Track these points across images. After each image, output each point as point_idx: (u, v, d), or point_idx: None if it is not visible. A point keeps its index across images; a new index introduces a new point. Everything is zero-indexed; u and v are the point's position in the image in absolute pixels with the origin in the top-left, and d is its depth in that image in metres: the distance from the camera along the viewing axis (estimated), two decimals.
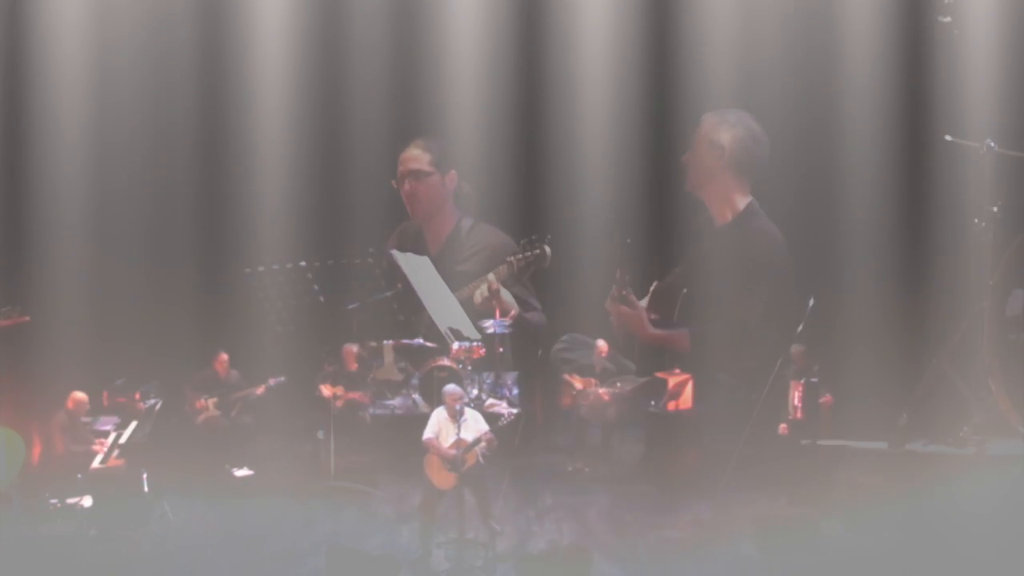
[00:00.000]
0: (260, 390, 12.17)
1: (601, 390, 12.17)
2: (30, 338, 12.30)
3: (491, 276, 12.62)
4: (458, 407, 10.01)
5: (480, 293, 12.78)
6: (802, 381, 11.56)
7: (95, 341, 12.99)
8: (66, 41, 13.16)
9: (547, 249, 12.63)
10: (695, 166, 12.93)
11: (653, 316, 12.79)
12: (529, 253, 12.63)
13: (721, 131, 12.80)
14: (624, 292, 12.55)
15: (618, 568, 9.86)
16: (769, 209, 12.80)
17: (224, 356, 12.24)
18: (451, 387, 10.16)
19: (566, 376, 12.39)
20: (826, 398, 11.62)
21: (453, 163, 13.43)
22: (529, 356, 13.10)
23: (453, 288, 12.77)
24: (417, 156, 13.38)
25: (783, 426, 11.60)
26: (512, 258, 12.67)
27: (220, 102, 13.54)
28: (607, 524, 10.80)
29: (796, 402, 11.53)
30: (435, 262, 12.92)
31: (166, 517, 10.77)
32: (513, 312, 12.75)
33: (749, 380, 12.00)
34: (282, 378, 12.18)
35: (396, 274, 12.73)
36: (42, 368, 12.59)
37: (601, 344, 12.46)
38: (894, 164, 12.80)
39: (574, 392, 12.24)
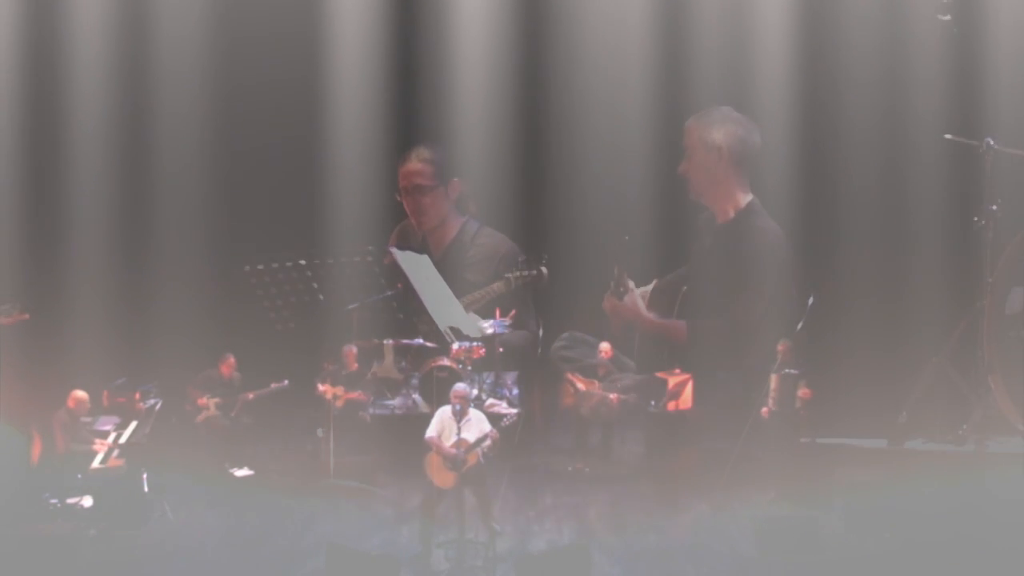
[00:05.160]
0: (263, 392, 12.17)
1: (605, 393, 12.16)
2: (30, 336, 12.28)
3: (491, 288, 12.69)
4: (460, 407, 10.01)
5: (485, 292, 12.81)
6: (781, 372, 11.45)
7: (95, 341, 12.98)
8: (64, 40, 13.14)
9: (544, 271, 12.62)
10: (695, 173, 12.85)
11: (653, 313, 12.79)
12: (527, 272, 12.63)
13: (713, 131, 12.76)
14: (621, 289, 12.54)
15: (618, 568, 9.87)
16: (768, 207, 12.80)
17: (231, 359, 12.21)
18: (460, 385, 10.16)
19: (568, 375, 12.38)
20: (804, 391, 11.47)
21: (455, 168, 13.37)
22: (529, 356, 13.10)
23: (456, 294, 12.75)
24: (419, 170, 13.29)
25: (764, 409, 11.51)
26: (510, 275, 12.67)
27: (220, 101, 13.53)
28: (607, 524, 10.80)
29: (772, 393, 11.44)
30: (439, 266, 12.90)
31: (166, 517, 10.77)
32: (513, 312, 12.74)
33: (749, 379, 12.00)
34: (285, 382, 12.18)
35: (397, 273, 12.73)
36: (42, 367, 12.58)
37: (604, 346, 12.45)
38: (894, 162, 12.80)
39: (576, 392, 12.23)
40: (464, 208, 13.52)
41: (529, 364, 13.02)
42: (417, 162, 13.32)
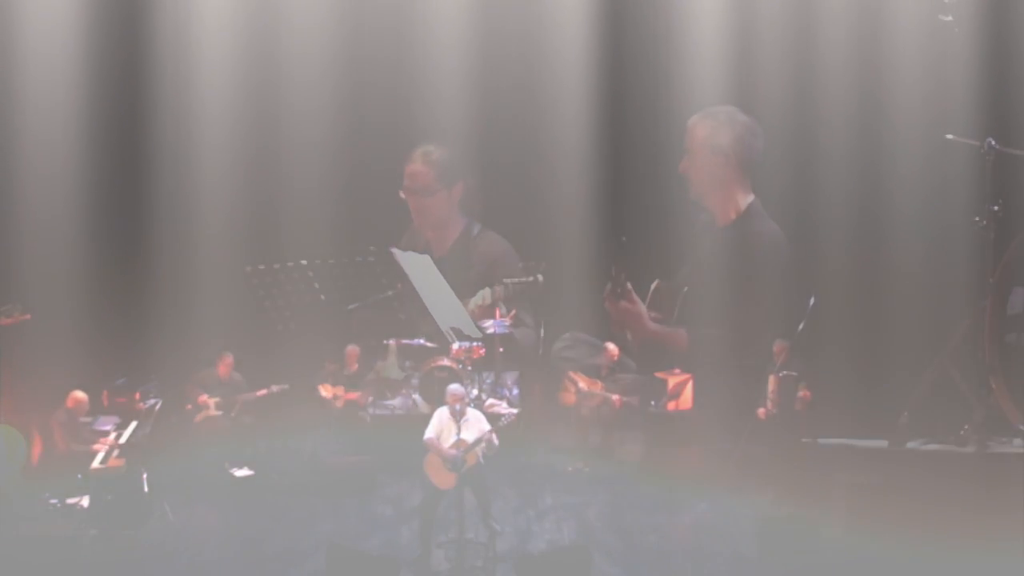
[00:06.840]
0: (261, 393, 12.16)
1: (608, 394, 12.16)
2: (31, 337, 12.28)
3: (486, 291, 12.60)
4: (458, 407, 10.02)
5: (475, 302, 12.72)
6: (780, 374, 11.44)
7: (95, 341, 12.98)
8: (59, 37, 13.13)
9: (540, 278, 12.54)
10: (698, 174, 12.79)
11: (653, 315, 12.75)
12: (522, 280, 12.56)
13: (719, 134, 12.68)
14: (619, 289, 12.50)
15: (618, 568, 9.87)
16: (768, 208, 12.79)
17: (229, 358, 12.21)
18: (454, 387, 10.15)
19: (571, 373, 12.37)
20: (804, 393, 11.48)
21: (459, 171, 13.34)
22: (529, 356, 13.09)
23: (457, 294, 12.73)
24: (422, 173, 13.25)
25: (762, 411, 11.52)
26: (508, 281, 12.61)
27: (219, 101, 13.52)
28: (607, 524, 10.80)
29: (771, 395, 11.44)
30: (441, 266, 12.88)
31: (166, 517, 10.77)
32: (513, 312, 12.72)
33: (749, 379, 11.99)
34: (286, 385, 12.17)
35: (397, 273, 12.72)
36: (43, 367, 12.57)
37: (611, 347, 12.43)
38: (894, 162, 12.79)
39: (578, 391, 12.23)
40: (468, 209, 13.51)
41: (529, 364, 13.01)
42: (421, 164, 13.27)
